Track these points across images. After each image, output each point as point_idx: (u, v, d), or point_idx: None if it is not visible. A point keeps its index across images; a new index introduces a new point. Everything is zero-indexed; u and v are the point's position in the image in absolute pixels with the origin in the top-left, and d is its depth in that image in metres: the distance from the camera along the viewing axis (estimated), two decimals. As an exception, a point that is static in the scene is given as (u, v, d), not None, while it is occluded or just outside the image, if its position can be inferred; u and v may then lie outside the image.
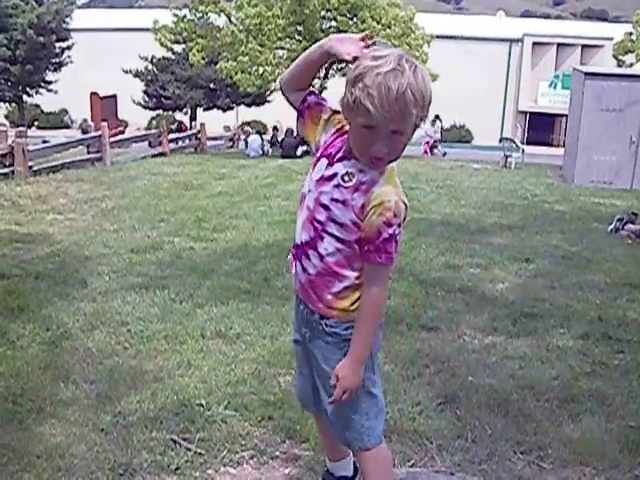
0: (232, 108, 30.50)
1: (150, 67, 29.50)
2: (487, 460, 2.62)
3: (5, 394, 2.98)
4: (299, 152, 17.61)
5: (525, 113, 37.28)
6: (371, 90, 1.59)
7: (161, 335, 3.78)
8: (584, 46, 36.32)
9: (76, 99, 28.94)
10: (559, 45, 36.92)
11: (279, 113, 29.10)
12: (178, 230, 6.78)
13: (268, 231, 6.78)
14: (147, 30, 23.57)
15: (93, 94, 21.99)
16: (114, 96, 23.11)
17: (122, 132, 21.79)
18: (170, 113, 32.00)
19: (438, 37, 21.90)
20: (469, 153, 23.39)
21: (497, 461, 2.62)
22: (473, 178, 12.80)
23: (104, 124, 14.10)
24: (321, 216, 1.79)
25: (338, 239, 1.77)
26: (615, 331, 4.09)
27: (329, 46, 1.77)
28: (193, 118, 29.05)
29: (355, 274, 1.80)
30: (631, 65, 29.53)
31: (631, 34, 32.51)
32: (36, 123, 36.34)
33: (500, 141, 21.37)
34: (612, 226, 7.49)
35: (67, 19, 28.59)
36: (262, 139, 19.20)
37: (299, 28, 19.30)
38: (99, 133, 13.87)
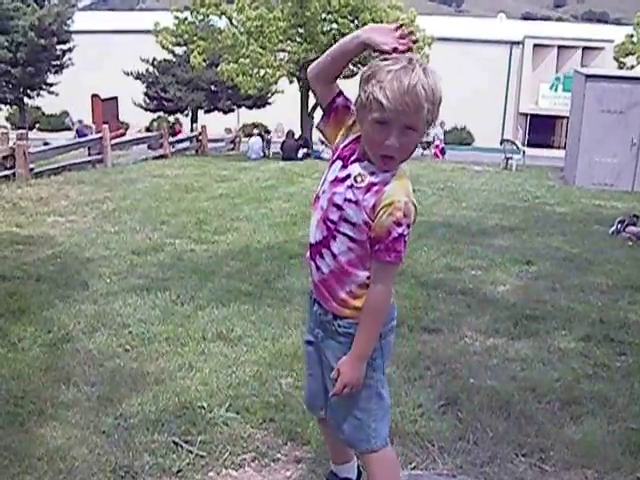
0: (233, 110, 30.55)
1: (151, 69, 29.53)
2: (489, 462, 2.62)
3: (6, 396, 2.98)
4: (300, 154, 17.62)
5: (526, 115, 37.30)
6: (383, 84, 1.65)
7: (162, 337, 3.77)
8: (585, 48, 36.35)
9: (77, 101, 28.96)
10: (560, 47, 36.96)
11: (280, 115, 29.17)
12: (179, 232, 6.78)
13: (269, 233, 6.79)
14: (148, 32, 23.58)
15: (94, 96, 21.99)
16: (115, 98, 23.11)
17: (123, 134, 21.79)
18: (170, 115, 32.03)
19: (439, 39, 21.91)
20: (470, 155, 23.40)
21: (499, 463, 2.61)
22: (474, 180, 12.81)
23: (105, 126, 14.12)
24: (334, 216, 1.82)
25: (350, 238, 1.80)
26: (616, 333, 4.09)
27: (366, 37, 1.77)
28: (194, 120, 29.06)
29: (367, 273, 1.83)
30: (632, 67, 29.55)
31: (632, 36, 32.47)
32: (37, 125, 36.39)
33: (501, 143, 21.36)
34: (613, 228, 7.49)
35: (68, 21, 28.60)
36: (263, 141, 19.22)
37: (300, 30, 19.31)
38: (100, 135, 13.88)
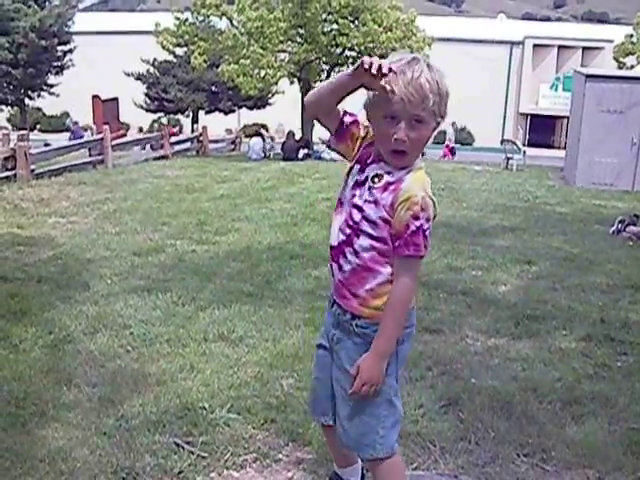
0: (234, 111, 30.56)
1: (152, 70, 29.55)
2: (490, 463, 2.62)
3: (8, 397, 2.98)
4: (301, 155, 17.63)
5: (526, 115, 37.31)
6: (389, 77, 1.69)
7: (164, 338, 3.78)
8: (585, 48, 36.36)
9: (78, 102, 28.99)
10: (560, 47, 36.98)
11: (281, 116, 29.17)
12: (180, 233, 6.78)
13: (270, 234, 6.79)
14: (149, 33, 23.61)
15: (95, 97, 22.01)
16: (116, 99, 23.12)
17: (124, 135, 21.79)
18: (169, 116, 32.06)
19: (439, 40, 21.95)
20: (470, 155, 23.39)
21: (500, 464, 2.61)
22: (475, 180, 12.81)
23: (106, 127, 14.12)
24: (356, 217, 1.86)
25: (372, 236, 1.83)
26: (617, 333, 4.09)
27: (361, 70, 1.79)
28: (195, 121, 29.08)
29: (389, 270, 1.84)
30: (632, 67, 29.55)
31: (631, 36, 32.48)
32: (38, 126, 36.41)
33: (501, 143, 21.39)
34: (614, 228, 7.49)
35: (69, 22, 28.63)
36: (264, 142, 19.22)
37: (300, 31, 19.32)
38: (101, 136, 13.89)
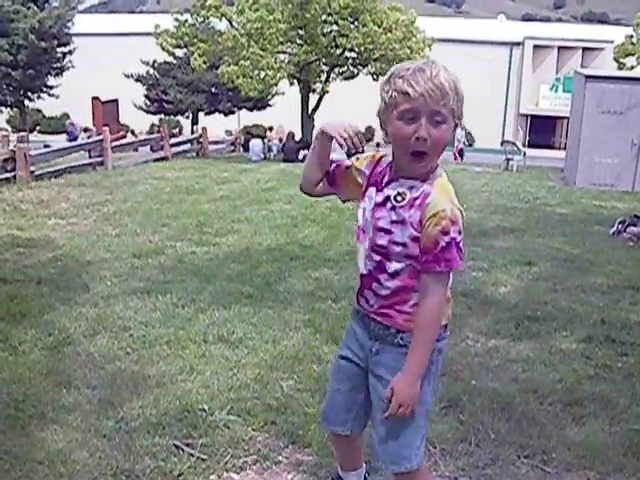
0: (233, 112, 30.54)
1: (152, 71, 29.55)
2: (491, 464, 2.61)
3: (7, 400, 2.97)
4: (300, 156, 17.63)
5: (526, 116, 37.31)
6: (407, 76, 1.69)
7: (163, 340, 3.77)
8: (585, 49, 36.36)
9: (78, 104, 29.00)
10: (560, 48, 36.98)
11: (281, 117, 29.17)
12: (180, 234, 6.78)
13: (270, 235, 6.78)
14: (149, 35, 23.62)
15: (94, 99, 22.03)
16: (116, 100, 23.15)
17: (124, 136, 21.81)
18: (172, 117, 32.07)
19: (439, 40, 21.93)
20: (471, 156, 23.38)
21: (501, 465, 2.61)
22: (475, 181, 12.80)
23: (106, 128, 14.13)
24: (383, 240, 1.81)
25: (404, 257, 1.80)
26: (618, 334, 4.08)
27: (322, 127, 1.89)
28: (195, 122, 29.07)
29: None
30: (632, 68, 29.56)
31: (632, 37, 32.49)
32: (38, 128, 36.42)
33: (502, 144, 21.39)
34: (614, 228, 7.48)
35: (69, 24, 28.60)
36: (264, 143, 19.23)
37: (300, 32, 19.32)
38: (101, 137, 13.89)
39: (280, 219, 7.67)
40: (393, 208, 1.78)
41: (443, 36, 27.16)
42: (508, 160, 18.45)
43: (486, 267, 5.70)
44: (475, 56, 35.47)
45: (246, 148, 19.84)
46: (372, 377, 1.92)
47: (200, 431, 2.75)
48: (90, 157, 13.69)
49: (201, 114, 29.40)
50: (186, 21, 20.77)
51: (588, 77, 13.67)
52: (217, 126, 27.25)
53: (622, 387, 3.32)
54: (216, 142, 21.90)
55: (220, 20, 20.43)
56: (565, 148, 18.52)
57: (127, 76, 29.18)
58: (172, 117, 32.15)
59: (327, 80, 20.53)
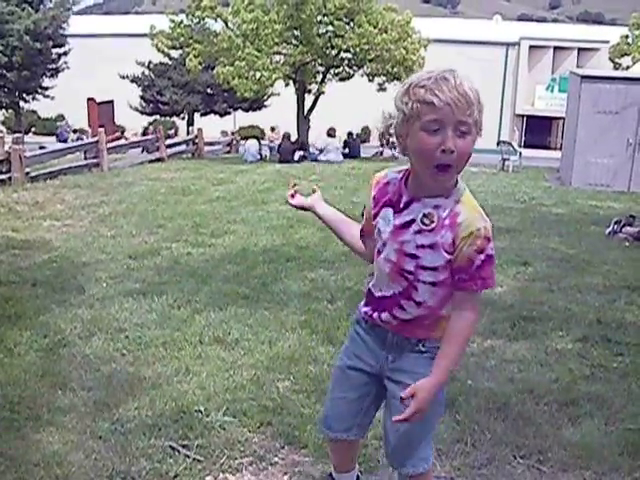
0: (229, 113, 30.52)
1: (147, 72, 29.51)
2: (487, 464, 2.61)
3: (2, 402, 2.97)
4: (296, 157, 17.62)
5: (522, 116, 37.34)
6: (429, 85, 1.61)
7: (159, 341, 3.77)
8: (580, 49, 36.41)
9: (73, 105, 28.94)
10: (556, 48, 37.02)
11: (276, 118, 29.17)
12: (176, 236, 6.77)
13: (266, 236, 6.78)
14: (144, 36, 23.58)
15: (90, 100, 21.99)
16: (111, 102, 23.11)
17: (120, 137, 21.77)
18: (168, 118, 32.03)
19: (435, 41, 21.93)
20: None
21: (497, 465, 2.61)
22: (471, 181, 12.75)
23: (101, 130, 14.10)
24: (409, 265, 1.76)
25: (433, 283, 1.76)
26: (614, 334, 4.09)
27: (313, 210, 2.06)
28: (190, 123, 29.04)
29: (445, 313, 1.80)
30: (627, 68, 29.60)
31: (627, 37, 32.59)
32: (33, 129, 36.32)
33: (498, 144, 21.38)
34: (610, 229, 7.49)
35: (64, 25, 28.55)
36: (260, 144, 19.21)
37: (296, 33, 19.30)
38: (96, 139, 13.86)
39: (276, 220, 7.67)
40: (419, 231, 1.72)
41: (439, 36, 27.13)
42: (504, 160, 18.48)
43: (482, 267, 5.70)
44: (471, 56, 35.45)
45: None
46: (390, 383, 1.89)
47: (196, 432, 2.75)
48: (85, 158, 13.68)
49: (197, 115, 29.37)
50: (181, 22, 20.73)
51: (584, 77, 13.70)
52: (213, 127, 27.23)
53: (618, 387, 3.33)
54: (211, 143, 21.88)
55: (215, 21, 20.40)
56: (561, 148, 18.54)
57: (122, 77, 29.14)
58: (168, 118, 32.09)
59: (323, 81, 20.52)
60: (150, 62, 29.05)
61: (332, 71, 20.61)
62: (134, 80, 29.37)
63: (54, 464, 2.48)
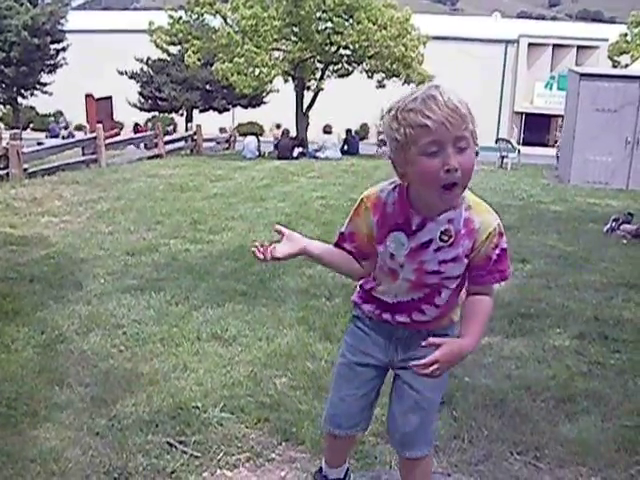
0: (228, 110, 30.49)
1: (146, 69, 29.46)
2: (484, 461, 2.62)
3: (-1, 398, 2.97)
4: (295, 153, 17.61)
5: (521, 114, 37.36)
6: (418, 108, 1.56)
7: (157, 337, 3.76)
8: (579, 47, 36.42)
9: (71, 101, 28.89)
10: (555, 46, 37.02)
11: (275, 114, 29.14)
12: (174, 232, 6.76)
13: (264, 232, 6.77)
14: (143, 32, 23.54)
15: (88, 96, 21.91)
16: (109, 98, 23.03)
17: (118, 134, 21.72)
18: (166, 115, 32.00)
19: (434, 38, 21.92)
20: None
21: (494, 462, 2.61)
22: (469, 179, 12.79)
23: (99, 126, 14.07)
24: (433, 279, 1.78)
25: (455, 286, 1.81)
26: (611, 331, 4.09)
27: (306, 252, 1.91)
28: (189, 120, 29.01)
29: (464, 294, 1.84)
30: (626, 66, 29.60)
31: (626, 35, 32.65)
32: (31, 125, 36.27)
33: (496, 142, 21.38)
34: (608, 226, 7.50)
35: (62, 21, 28.53)
36: (259, 141, 19.19)
37: (295, 29, 19.28)
38: (94, 135, 13.84)
39: (274, 217, 7.67)
40: (439, 249, 1.72)
41: (438, 34, 27.12)
42: (503, 158, 18.47)
43: (480, 264, 5.70)
44: (470, 54, 35.48)
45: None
46: (401, 370, 1.91)
47: (193, 428, 2.75)
48: (84, 154, 13.64)
49: (195, 111, 29.33)
50: (180, 18, 20.71)
51: (582, 75, 13.70)
52: (211, 123, 27.21)
53: (615, 384, 3.33)
54: (210, 139, 21.85)
55: (214, 17, 20.37)
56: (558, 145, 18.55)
57: (121, 73, 29.09)
58: (166, 114, 32.05)
59: (322, 77, 20.51)
60: (149, 58, 29.00)
61: (331, 68, 20.60)
62: (133, 76, 29.32)
63: (51, 460, 2.48)
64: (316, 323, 4.02)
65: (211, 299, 4.48)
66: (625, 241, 7.06)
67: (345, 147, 19.21)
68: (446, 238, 1.71)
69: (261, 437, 2.73)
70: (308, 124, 20.65)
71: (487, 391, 3.17)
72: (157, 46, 23.14)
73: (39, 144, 15.32)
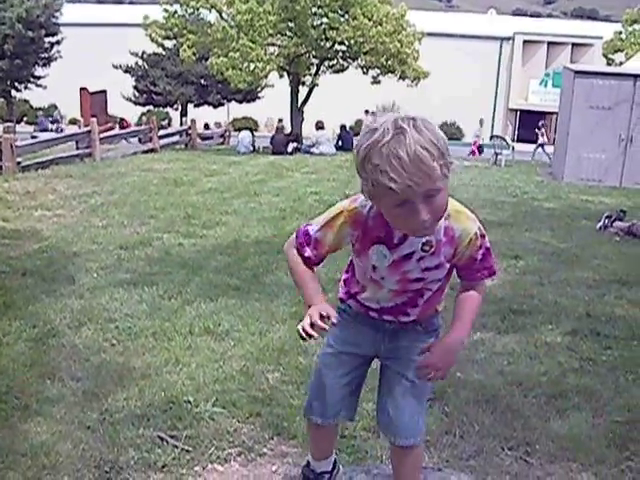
0: (223, 104, 30.44)
1: (140, 63, 29.36)
2: (475, 456, 2.62)
3: (-10, 391, 2.95)
4: (290, 149, 17.58)
5: (516, 111, 37.44)
6: (383, 167, 1.48)
7: (149, 332, 3.76)
8: (574, 44, 36.51)
9: (65, 94, 28.78)
10: (550, 43, 37.10)
11: (270, 109, 29.09)
12: (167, 226, 6.75)
13: (258, 227, 6.77)
14: (138, 26, 23.43)
15: (82, 89, 21.83)
16: (104, 92, 22.95)
17: (112, 128, 21.65)
18: (161, 109, 31.91)
19: (429, 34, 21.88)
20: (459, 150, 23.43)
21: (485, 457, 2.62)
22: (463, 175, 12.82)
23: (93, 119, 14.03)
24: (417, 285, 1.82)
25: (438, 287, 1.86)
26: (603, 327, 4.11)
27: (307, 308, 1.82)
28: (184, 114, 28.94)
29: (447, 289, 1.90)
30: (620, 64, 29.68)
31: (620, 33, 32.69)
32: (25, 118, 36.12)
33: (491, 139, 21.42)
34: (601, 223, 7.52)
35: (56, 14, 28.38)
36: (253, 135, 19.15)
37: (290, 24, 19.22)
38: (88, 129, 13.79)
39: (268, 212, 7.66)
40: (421, 258, 1.74)
41: (433, 30, 27.13)
42: (497, 155, 18.50)
43: (473, 261, 5.71)
44: (465, 51, 35.51)
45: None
46: (389, 360, 1.94)
47: (185, 423, 2.75)
48: (78, 148, 13.59)
49: (190, 106, 29.25)
50: (175, 12, 20.61)
51: (577, 72, 13.71)
52: (206, 118, 27.14)
53: (606, 380, 3.34)
54: (205, 137, 21.80)
55: (210, 11, 20.28)
56: (553, 143, 18.57)
57: (116, 67, 28.98)
58: (161, 109, 31.96)
59: (317, 73, 20.46)
60: (144, 52, 28.90)
61: (326, 63, 20.55)
62: (127, 70, 29.22)
63: (42, 454, 2.48)
64: (309, 318, 4.01)
65: (204, 294, 4.47)
66: (618, 238, 7.09)
67: (339, 143, 19.20)
68: (427, 248, 1.73)
69: (253, 432, 2.73)
70: (303, 119, 20.62)
71: (479, 387, 3.17)
72: (152, 40, 23.01)
73: (33, 137, 15.26)
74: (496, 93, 38.23)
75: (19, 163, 10.77)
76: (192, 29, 20.11)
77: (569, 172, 13.33)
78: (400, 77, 20.17)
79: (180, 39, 20.74)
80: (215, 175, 11.02)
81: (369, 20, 18.47)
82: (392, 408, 1.95)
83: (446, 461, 2.58)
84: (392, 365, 1.94)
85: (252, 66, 18.71)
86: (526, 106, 36.70)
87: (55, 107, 36.84)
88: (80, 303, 4.22)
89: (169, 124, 31.19)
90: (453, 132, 36.10)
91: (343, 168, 12.97)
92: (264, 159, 14.79)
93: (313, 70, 20.57)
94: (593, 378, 3.36)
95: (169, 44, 25.66)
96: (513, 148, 19.54)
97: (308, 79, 20.66)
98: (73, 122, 28.12)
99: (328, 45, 19.58)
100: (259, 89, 26.20)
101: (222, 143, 22.41)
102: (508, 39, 37.75)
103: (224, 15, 19.71)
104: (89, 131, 13.59)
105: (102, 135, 14.40)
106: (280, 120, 20.30)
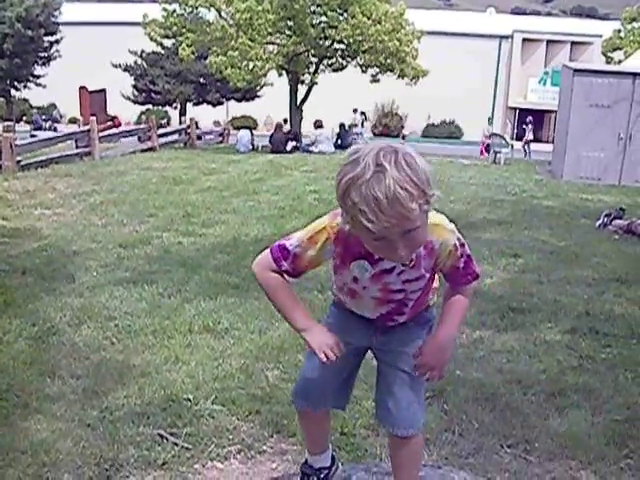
0: (222, 103, 30.41)
1: (140, 61, 29.34)
2: (474, 454, 2.63)
3: (-10, 389, 2.96)
4: (289, 147, 17.59)
5: (515, 109, 37.43)
6: (361, 206, 1.47)
7: (149, 330, 3.76)
8: (573, 43, 36.50)
9: (65, 93, 28.75)
10: (549, 42, 37.09)
11: (269, 108, 29.06)
12: (167, 225, 6.75)
13: (257, 226, 6.77)
14: (137, 24, 23.41)
15: (82, 88, 21.84)
16: (103, 90, 22.96)
17: (112, 127, 21.63)
18: (160, 108, 31.89)
19: (428, 33, 21.88)
20: (459, 149, 23.44)
21: (484, 455, 2.62)
22: (462, 174, 12.83)
23: (93, 118, 14.02)
24: (399, 295, 1.83)
25: (421, 293, 1.86)
26: (602, 325, 4.11)
27: (305, 337, 1.85)
28: (183, 113, 28.92)
29: (436, 285, 1.92)
30: (619, 62, 29.71)
31: (619, 31, 32.74)
32: (24, 118, 36.08)
33: (490, 137, 21.43)
34: (600, 221, 7.53)
35: (56, 13, 28.37)
36: (252, 134, 19.15)
37: (289, 23, 19.22)
38: (88, 127, 13.78)
39: (267, 210, 7.66)
40: (402, 272, 1.75)
41: (432, 29, 27.12)
42: (496, 153, 18.52)
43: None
44: (464, 49, 35.48)
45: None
46: (382, 352, 1.96)
47: (185, 420, 2.75)
48: (77, 147, 13.58)
49: (189, 104, 29.24)
50: (174, 11, 20.59)
51: (576, 71, 13.72)
52: (205, 117, 27.14)
53: (605, 378, 3.35)
54: (204, 133, 21.80)
55: (209, 10, 20.26)
56: (553, 141, 18.59)
57: (115, 66, 28.95)
58: (160, 107, 31.94)
59: (316, 71, 20.45)
60: (143, 51, 28.87)
61: (325, 62, 20.55)
62: (127, 69, 29.20)
63: (42, 452, 2.48)
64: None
65: (203, 292, 4.48)
66: (617, 236, 7.09)
67: (339, 141, 19.20)
68: (408, 263, 1.73)
69: (252, 429, 2.73)
70: (302, 118, 20.62)
71: (478, 385, 3.18)
72: (151, 39, 22.97)
73: (32, 136, 15.26)
74: (495, 91, 38.22)
75: (19, 162, 10.76)
76: (191, 28, 20.10)
77: (568, 170, 13.34)
78: (399, 76, 20.17)
79: (179, 38, 20.72)
80: (214, 174, 11.02)
81: (368, 19, 18.46)
82: (390, 400, 1.96)
83: (445, 459, 2.59)
84: (385, 358, 1.96)
85: (251, 65, 18.71)
86: (525, 104, 36.68)
87: (54, 106, 36.81)
88: (80, 301, 4.22)
89: (168, 123, 31.16)
90: (452, 131, 36.11)
91: (342, 167, 12.94)
92: (263, 158, 14.79)
93: (312, 69, 20.57)
94: (592, 376, 3.36)
95: (168, 43, 25.61)
96: (512, 146, 19.55)
97: (307, 78, 20.66)
98: (73, 121, 28.08)
99: (327, 44, 19.58)
100: (258, 88, 26.18)
101: (221, 142, 22.41)
102: (507, 37, 37.74)
103: (223, 14, 19.70)
104: (88, 130, 13.59)
105: (101, 134, 14.39)
106: (285, 121, 20.28)
